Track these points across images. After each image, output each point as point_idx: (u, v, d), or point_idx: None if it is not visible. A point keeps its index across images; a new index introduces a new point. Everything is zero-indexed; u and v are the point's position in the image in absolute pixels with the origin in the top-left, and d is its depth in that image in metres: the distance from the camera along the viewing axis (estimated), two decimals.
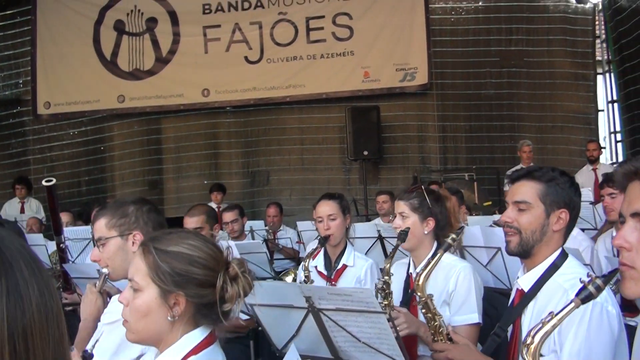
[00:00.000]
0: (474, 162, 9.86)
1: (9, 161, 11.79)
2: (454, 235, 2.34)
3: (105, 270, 2.45)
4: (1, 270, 0.81)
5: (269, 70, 10.59)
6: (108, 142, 11.35)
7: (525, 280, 2.22)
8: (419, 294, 2.39)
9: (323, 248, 3.55)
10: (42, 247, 5.63)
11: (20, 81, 11.69)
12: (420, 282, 2.37)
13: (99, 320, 2.51)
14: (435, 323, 2.39)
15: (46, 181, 4.08)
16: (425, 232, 2.91)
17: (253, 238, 6.44)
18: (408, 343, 2.79)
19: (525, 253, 2.20)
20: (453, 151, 10.37)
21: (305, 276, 3.23)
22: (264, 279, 4.73)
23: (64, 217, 6.23)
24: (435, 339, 2.40)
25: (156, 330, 1.70)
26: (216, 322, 1.72)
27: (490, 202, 7.93)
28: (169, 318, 1.68)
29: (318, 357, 2.34)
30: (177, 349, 1.69)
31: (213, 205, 8.97)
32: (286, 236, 7.03)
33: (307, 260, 3.30)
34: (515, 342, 2.23)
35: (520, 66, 10.11)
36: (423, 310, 2.43)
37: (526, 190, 2.20)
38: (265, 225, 7.15)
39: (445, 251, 2.36)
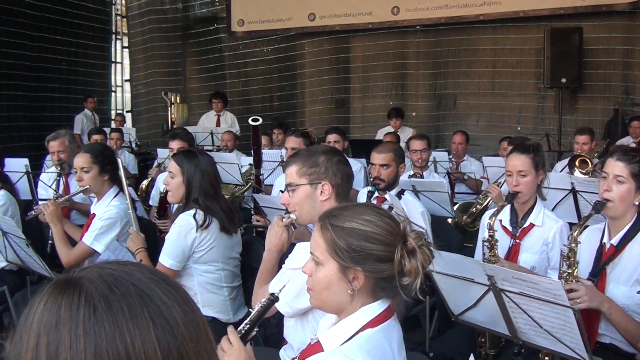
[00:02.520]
0: None
1: (206, 75, 12.64)
2: None
3: (293, 216, 2.55)
4: (141, 303, 0.82)
5: None
6: (299, 59, 11.61)
7: None
8: None
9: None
10: (235, 165, 5.98)
11: None
12: None
13: (282, 256, 2.64)
14: None
15: (252, 120, 4.34)
16: (636, 203, 2.66)
17: (436, 170, 6.34)
18: (589, 318, 2.60)
19: None
20: None
21: (490, 235, 3.08)
22: (444, 217, 4.68)
23: (263, 140, 6.54)
24: None
25: (337, 301, 1.75)
26: (395, 294, 1.72)
27: None
28: (349, 291, 1.71)
29: (495, 332, 2.26)
30: (355, 319, 1.72)
31: (391, 129, 8.96)
32: (470, 168, 6.82)
33: (493, 218, 3.14)
34: None
35: None
36: None
37: None
38: (450, 154, 6.97)
39: None
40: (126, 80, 13.76)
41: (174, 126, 10.85)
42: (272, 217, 4.04)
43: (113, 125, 11.77)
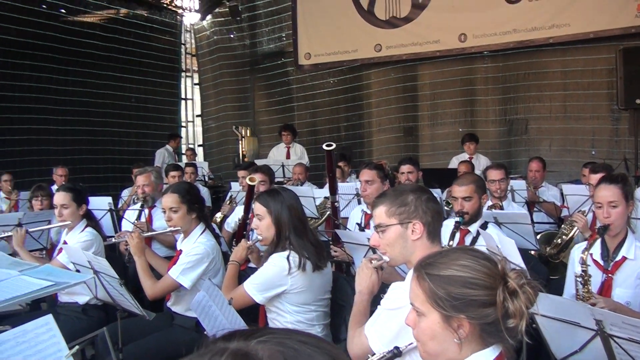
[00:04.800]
0: None
1: (275, 108, 12.90)
2: None
3: (386, 258, 2.50)
4: None
5: (531, 9, 9.81)
6: (366, 89, 11.71)
7: None
8: None
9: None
10: (310, 198, 6.03)
11: (283, 34, 12.60)
12: None
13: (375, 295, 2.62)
14: None
15: (326, 145, 4.37)
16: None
17: (514, 199, 6.21)
18: None
19: None
20: None
21: (583, 271, 3.01)
22: (528, 250, 4.56)
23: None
24: None
25: (445, 351, 1.70)
26: (503, 339, 1.66)
27: None
28: (456, 340, 1.67)
29: None
30: None
31: (465, 156, 8.85)
32: (547, 195, 6.66)
33: (586, 253, 3.06)
34: None
35: None
36: None
37: None
38: (527, 183, 6.81)
39: None
40: (197, 116, 14.20)
41: (245, 159, 11.08)
42: (353, 252, 4.05)
43: (185, 159, 12.11)
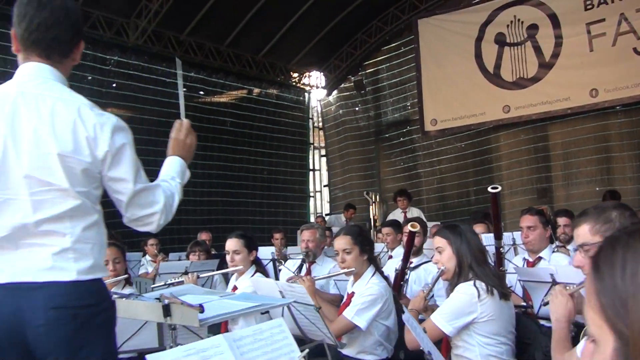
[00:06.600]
0: None
1: (401, 175, 13.05)
2: None
3: None
4: None
5: None
6: (495, 152, 11.67)
7: None
8: None
9: None
10: None
11: (408, 104, 12.91)
12: None
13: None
14: None
15: (492, 188, 4.39)
16: None
17: None
18: None
19: None
20: None
21: None
22: None
23: (480, 228, 6.44)
24: None
25: None
26: None
27: None
28: None
29: None
30: None
31: None
32: None
33: None
34: None
35: None
36: None
37: None
38: None
39: None
40: (324, 186, 14.73)
41: (376, 224, 11.23)
42: (532, 292, 3.95)
43: None
